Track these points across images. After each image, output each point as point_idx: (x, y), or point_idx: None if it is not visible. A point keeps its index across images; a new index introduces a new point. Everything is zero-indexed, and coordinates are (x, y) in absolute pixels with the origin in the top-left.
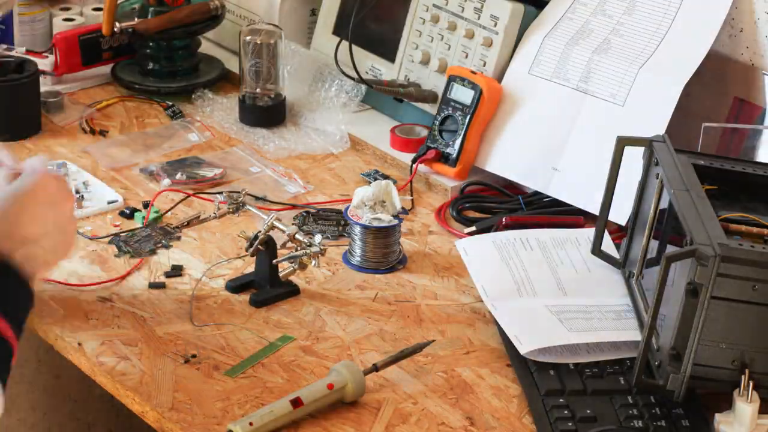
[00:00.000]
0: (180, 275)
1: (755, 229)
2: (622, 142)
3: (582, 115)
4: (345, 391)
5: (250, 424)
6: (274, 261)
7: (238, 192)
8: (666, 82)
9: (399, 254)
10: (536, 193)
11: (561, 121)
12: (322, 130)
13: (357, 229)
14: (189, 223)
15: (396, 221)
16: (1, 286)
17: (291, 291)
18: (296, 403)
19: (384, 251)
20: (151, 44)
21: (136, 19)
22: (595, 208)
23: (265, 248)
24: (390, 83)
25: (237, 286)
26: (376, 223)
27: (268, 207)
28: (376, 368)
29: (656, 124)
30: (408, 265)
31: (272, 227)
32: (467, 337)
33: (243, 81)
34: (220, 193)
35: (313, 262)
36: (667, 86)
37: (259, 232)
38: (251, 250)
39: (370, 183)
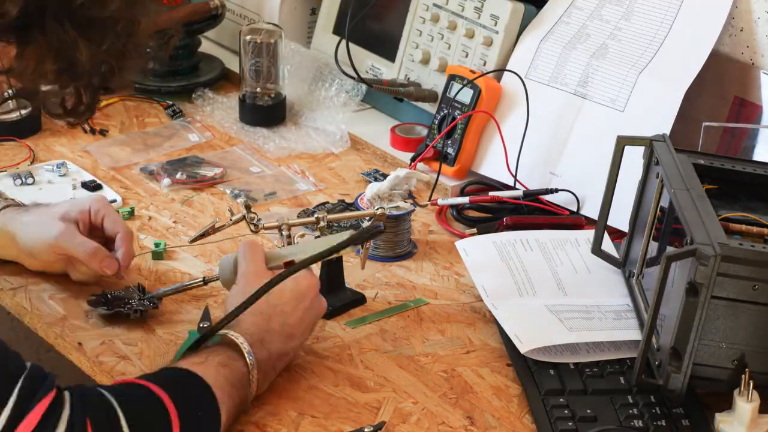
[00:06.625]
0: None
1: (755, 229)
2: (623, 142)
3: (581, 120)
4: None
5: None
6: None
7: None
8: (666, 87)
9: (410, 243)
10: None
11: (559, 126)
12: (322, 129)
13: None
14: (205, 234)
15: (410, 208)
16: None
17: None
18: None
19: (395, 240)
20: (151, 43)
21: None
22: (594, 213)
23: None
24: (390, 83)
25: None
26: (394, 211)
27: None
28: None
29: (658, 130)
30: (408, 265)
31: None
32: (467, 336)
33: (243, 80)
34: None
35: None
36: (668, 91)
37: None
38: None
39: (370, 182)
